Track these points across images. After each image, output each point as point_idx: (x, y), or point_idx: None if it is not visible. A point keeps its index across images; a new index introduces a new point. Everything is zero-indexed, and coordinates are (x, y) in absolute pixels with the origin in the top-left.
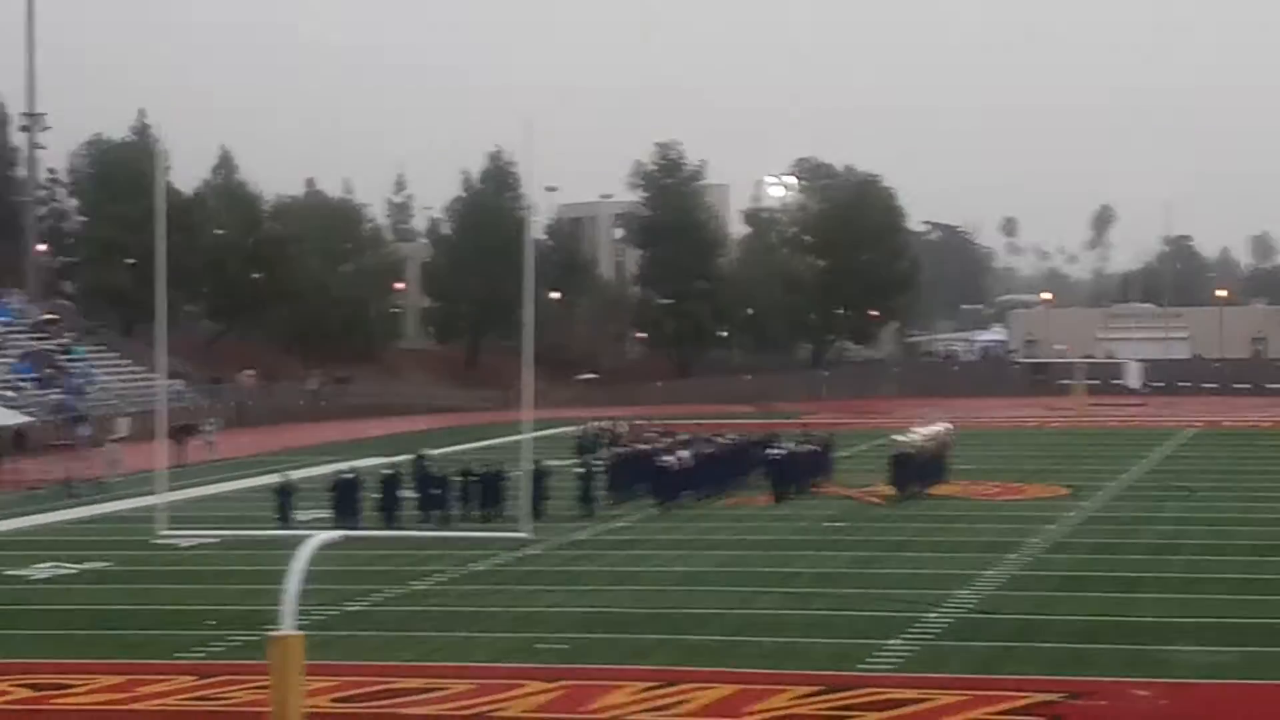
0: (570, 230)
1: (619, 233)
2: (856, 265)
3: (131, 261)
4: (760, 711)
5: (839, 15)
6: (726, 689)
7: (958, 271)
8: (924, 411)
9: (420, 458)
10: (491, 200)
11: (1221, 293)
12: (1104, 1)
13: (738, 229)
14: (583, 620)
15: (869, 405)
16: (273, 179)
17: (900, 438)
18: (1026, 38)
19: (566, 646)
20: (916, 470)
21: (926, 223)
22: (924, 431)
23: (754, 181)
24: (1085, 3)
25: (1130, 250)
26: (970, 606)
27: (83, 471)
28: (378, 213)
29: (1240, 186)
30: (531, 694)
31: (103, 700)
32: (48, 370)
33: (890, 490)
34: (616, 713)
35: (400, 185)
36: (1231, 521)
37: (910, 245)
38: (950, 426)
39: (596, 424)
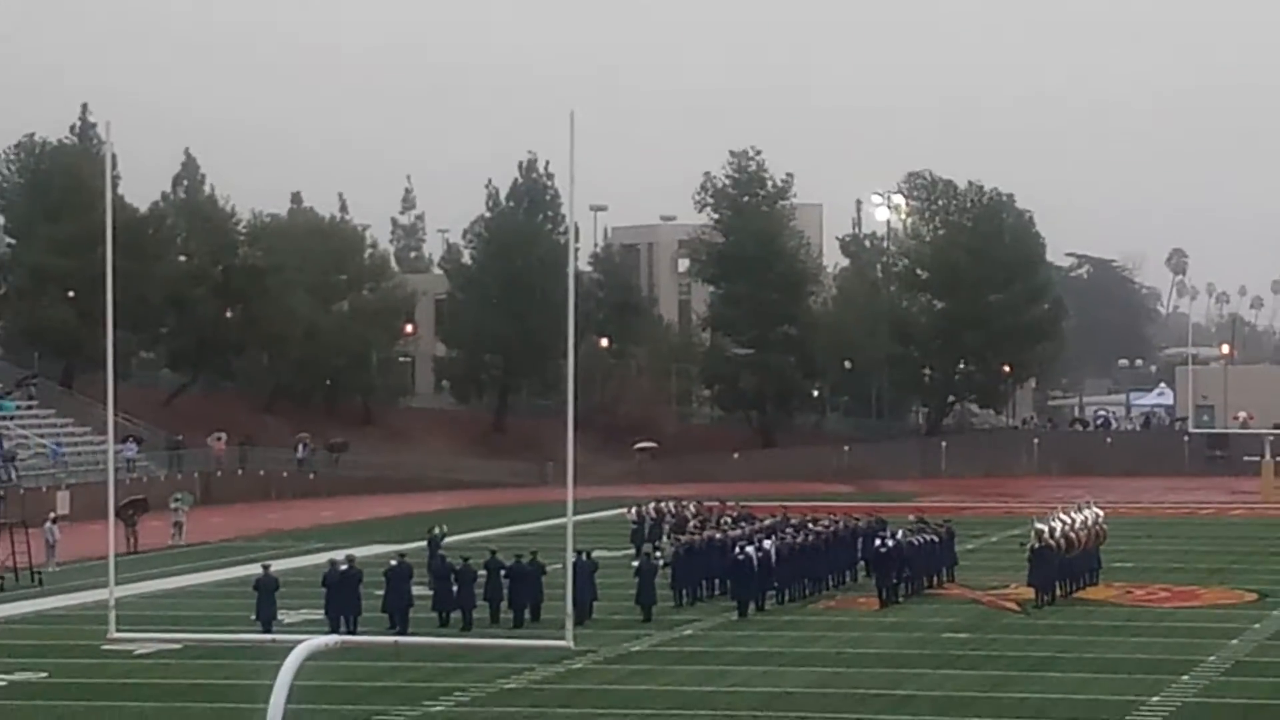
0: (623, 260)
1: (684, 264)
2: (984, 308)
3: (71, 294)
4: None
5: (957, 5)
6: None
7: (1113, 317)
8: (1071, 494)
9: (435, 545)
10: (523, 222)
11: None
12: None
13: (834, 260)
14: None
15: (1000, 485)
16: (249, 192)
17: (1041, 526)
18: (1203, 15)
19: None
20: (1061, 568)
21: (1073, 255)
22: (1071, 519)
23: (853, 201)
24: None
25: None
26: None
27: (12, 559)
28: (380, 236)
29: None
30: None
31: None
32: None
33: (1028, 593)
34: None
35: (409, 202)
36: None
37: (1052, 283)
38: (1102, 513)
39: (657, 505)
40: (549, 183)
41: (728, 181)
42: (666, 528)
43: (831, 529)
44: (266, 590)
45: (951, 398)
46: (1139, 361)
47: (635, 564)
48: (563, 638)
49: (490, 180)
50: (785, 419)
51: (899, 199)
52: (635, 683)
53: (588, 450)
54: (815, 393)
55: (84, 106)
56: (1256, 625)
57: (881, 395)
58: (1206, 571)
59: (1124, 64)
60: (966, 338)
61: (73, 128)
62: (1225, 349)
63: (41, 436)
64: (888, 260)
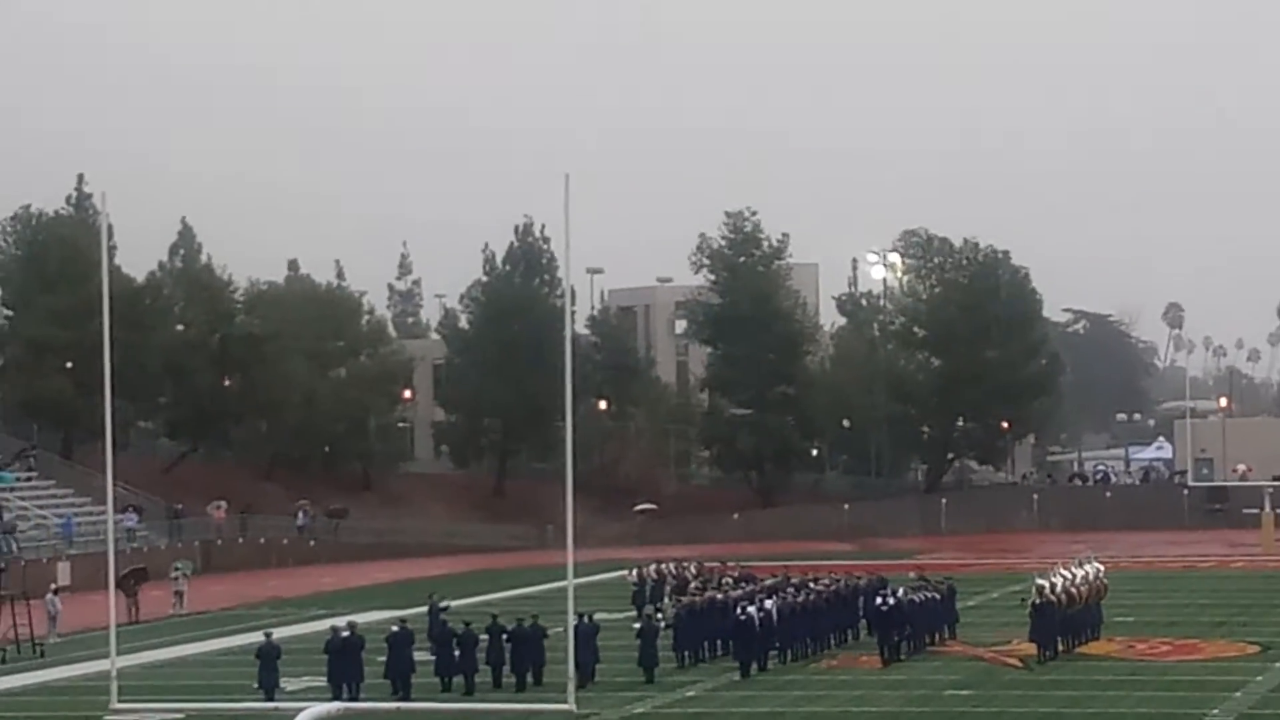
0: (620, 322)
1: (681, 325)
2: (981, 365)
3: (69, 365)
4: None
5: (949, 57)
6: None
7: (1110, 372)
8: (1071, 549)
9: (436, 610)
10: (520, 286)
11: None
12: None
13: (830, 319)
14: None
15: (1000, 541)
16: (246, 260)
17: (1042, 582)
18: (1199, 74)
19: None
20: (1063, 623)
21: (1069, 310)
22: (1072, 574)
23: (849, 260)
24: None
25: None
26: None
27: (14, 631)
28: (378, 302)
29: None
30: None
31: None
32: None
33: (1030, 649)
34: None
35: (405, 267)
36: None
37: (1049, 339)
38: (1102, 568)
39: (658, 567)
40: (545, 246)
41: (723, 242)
42: (667, 589)
43: (832, 588)
44: (268, 658)
45: (950, 454)
46: (1137, 415)
47: (637, 626)
48: (565, 701)
49: (486, 244)
50: (784, 478)
51: (895, 257)
52: None
53: (587, 513)
54: (814, 452)
55: (80, 177)
56: (1259, 678)
57: (880, 453)
58: (1208, 625)
59: (1119, 120)
60: (964, 394)
61: (69, 198)
62: (1223, 402)
63: (41, 509)
64: (884, 319)
